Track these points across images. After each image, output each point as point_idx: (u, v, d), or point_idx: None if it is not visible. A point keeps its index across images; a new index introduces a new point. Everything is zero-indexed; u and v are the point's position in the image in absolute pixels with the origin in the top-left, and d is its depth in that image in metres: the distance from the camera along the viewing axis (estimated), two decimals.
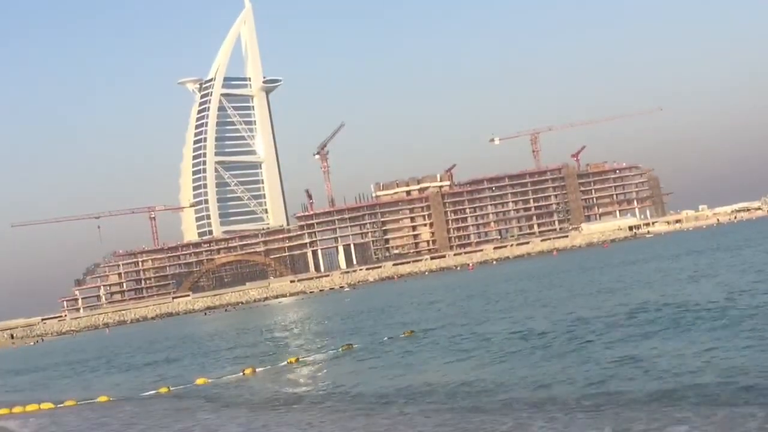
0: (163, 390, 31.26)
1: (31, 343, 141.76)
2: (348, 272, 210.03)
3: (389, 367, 26.19)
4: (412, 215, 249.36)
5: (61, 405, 31.31)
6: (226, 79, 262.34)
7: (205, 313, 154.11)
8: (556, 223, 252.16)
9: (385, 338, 33.86)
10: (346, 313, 71.13)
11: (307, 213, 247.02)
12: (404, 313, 53.48)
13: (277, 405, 22.89)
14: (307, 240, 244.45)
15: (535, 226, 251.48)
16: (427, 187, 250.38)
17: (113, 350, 72.00)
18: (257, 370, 32.21)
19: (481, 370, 23.12)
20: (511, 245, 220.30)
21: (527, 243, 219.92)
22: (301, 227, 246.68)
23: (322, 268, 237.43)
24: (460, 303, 54.98)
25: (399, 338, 33.15)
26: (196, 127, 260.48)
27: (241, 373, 32.00)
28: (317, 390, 24.53)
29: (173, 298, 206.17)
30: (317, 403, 22.02)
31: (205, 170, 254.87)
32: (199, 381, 31.88)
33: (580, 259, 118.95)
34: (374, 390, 22.02)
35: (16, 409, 31.27)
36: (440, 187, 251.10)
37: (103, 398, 31.92)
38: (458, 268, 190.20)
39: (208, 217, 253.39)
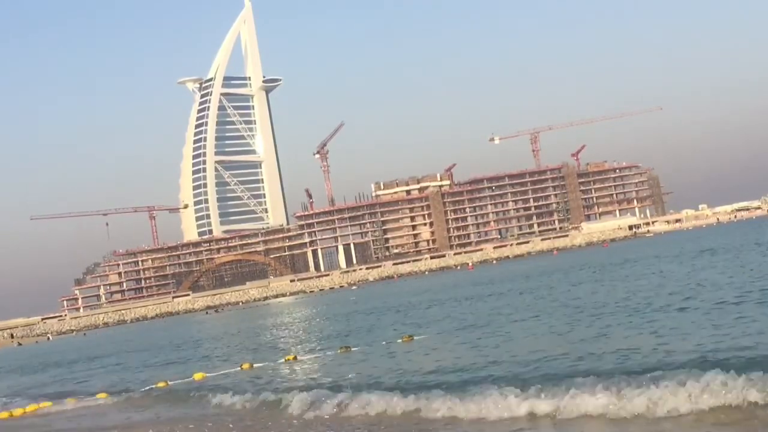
0: (161, 384, 31.38)
1: (37, 341, 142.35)
2: (348, 272, 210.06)
3: (383, 368, 26.16)
4: (412, 215, 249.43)
5: (61, 406, 31.24)
6: (225, 78, 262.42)
7: (207, 312, 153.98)
8: (556, 222, 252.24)
9: (383, 342, 33.80)
10: (348, 312, 71.12)
11: (307, 212, 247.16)
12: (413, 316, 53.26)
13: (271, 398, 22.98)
14: (306, 239, 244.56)
15: (535, 226, 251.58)
16: (427, 187, 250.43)
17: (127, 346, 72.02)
18: (254, 366, 32.27)
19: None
20: (511, 245, 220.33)
21: (527, 242, 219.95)
22: (301, 227, 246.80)
23: (322, 268, 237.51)
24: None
25: (396, 343, 33.11)
26: (196, 126, 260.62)
27: (239, 368, 32.15)
28: (310, 385, 24.60)
29: (173, 297, 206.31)
30: (305, 397, 22.10)
31: (205, 170, 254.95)
32: (197, 376, 31.98)
33: (579, 258, 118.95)
34: (367, 387, 22.07)
35: (17, 411, 31.14)
36: (440, 186, 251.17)
37: (102, 395, 31.90)
38: (458, 268, 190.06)
39: (208, 216, 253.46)
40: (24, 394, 37.14)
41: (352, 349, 32.99)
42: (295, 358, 32.72)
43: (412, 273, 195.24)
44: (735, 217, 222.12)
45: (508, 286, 64.92)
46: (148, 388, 31.37)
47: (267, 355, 37.09)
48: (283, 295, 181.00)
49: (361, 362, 28.37)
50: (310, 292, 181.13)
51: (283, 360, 32.77)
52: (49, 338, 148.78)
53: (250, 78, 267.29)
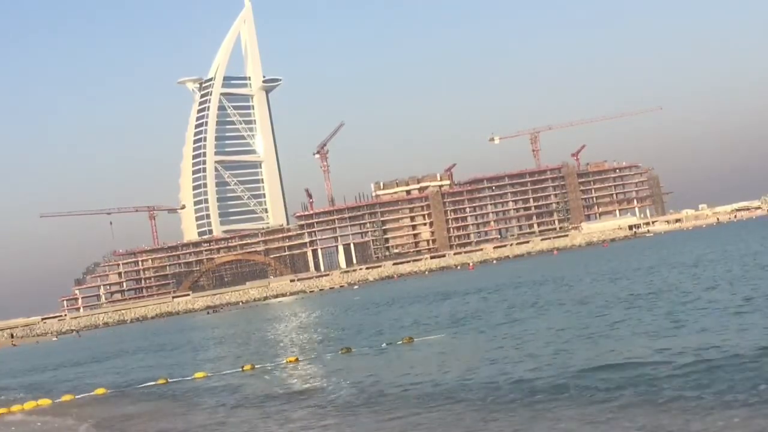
0: (162, 381, 31.49)
1: (37, 341, 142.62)
2: (348, 272, 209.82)
3: (384, 369, 26.19)
4: (412, 215, 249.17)
5: (59, 401, 31.37)
6: (225, 78, 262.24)
7: (208, 312, 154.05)
8: (556, 222, 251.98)
9: (384, 344, 33.84)
10: (349, 313, 71.17)
11: (306, 212, 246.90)
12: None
13: (272, 400, 23.02)
14: (306, 239, 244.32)
15: (535, 226, 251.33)
16: (427, 187, 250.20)
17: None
18: (256, 367, 32.28)
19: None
20: (511, 244, 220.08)
21: (527, 242, 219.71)
22: (301, 226, 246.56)
23: (322, 268, 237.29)
24: None
25: (397, 345, 33.16)
26: (196, 126, 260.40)
27: (240, 369, 32.13)
28: (312, 388, 24.65)
29: (173, 297, 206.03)
30: (310, 400, 22.17)
31: (205, 170, 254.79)
32: (198, 375, 32.02)
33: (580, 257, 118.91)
34: (368, 390, 22.12)
35: (15, 408, 31.20)
36: (440, 186, 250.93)
37: (100, 390, 32.03)
38: (458, 268, 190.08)
39: (208, 216, 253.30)
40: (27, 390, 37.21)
41: (353, 350, 33.01)
42: (296, 359, 32.70)
43: (412, 273, 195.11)
44: (735, 217, 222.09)
45: None
46: (147, 384, 31.59)
47: (269, 356, 37.11)
48: (283, 295, 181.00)
49: (361, 366, 28.35)
50: (310, 292, 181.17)
51: (284, 361, 32.77)
52: (55, 338, 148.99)
53: (250, 78, 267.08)
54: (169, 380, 31.71)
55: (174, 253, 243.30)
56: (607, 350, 22.59)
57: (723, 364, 18.07)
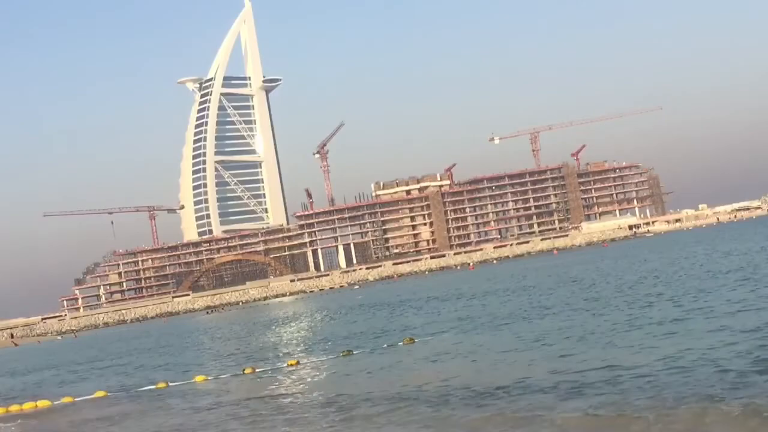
0: (162, 385, 31.49)
1: (39, 341, 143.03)
2: (348, 272, 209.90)
3: (385, 373, 26.21)
4: (412, 214, 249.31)
5: (59, 402, 31.44)
6: (225, 78, 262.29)
7: (208, 312, 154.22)
8: (556, 222, 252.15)
9: (384, 345, 33.89)
10: (351, 315, 71.10)
11: (307, 212, 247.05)
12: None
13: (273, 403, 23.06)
14: (306, 239, 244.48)
15: (535, 226, 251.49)
16: (427, 187, 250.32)
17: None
18: (257, 370, 32.29)
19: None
20: (511, 244, 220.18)
21: (527, 242, 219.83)
22: (301, 226, 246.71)
23: (322, 268, 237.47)
24: None
25: (398, 346, 33.19)
26: (196, 126, 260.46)
27: (242, 372, 32.14)
28: (312, 392, 24.66)
29: (173, 297, 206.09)
30: (310, 404, 22.20)
31: (205, 170, 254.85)
32: (198, 378, 32.02)
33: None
34: (367, 394, 22.14)
35: (13, 408, 31.26)
36: (440, 186, 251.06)
37: (100, 393, 32.06)
38: (458, 268, 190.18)
39: (208, 216, 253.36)
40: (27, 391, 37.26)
41: (354, 353, 33.02)
42: (297, 362, 32.70)
43: (412, 273, 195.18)
44: (735, 217, 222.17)
45: None
46: (147, 388, 31.65)
47: (269, 358, 37.11)
48: (283, 295, 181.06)
49: (360, 368, 28.34)
50: (310, 292, 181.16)
51: (285, 364, 32.76)
52: (59, 337, 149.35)
53: (250, 78, 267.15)
54: (170, 384, 31.70)
55: (174, 253, 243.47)
56: (607, 351, 22.61)
57: (723, 364, 18.13)
